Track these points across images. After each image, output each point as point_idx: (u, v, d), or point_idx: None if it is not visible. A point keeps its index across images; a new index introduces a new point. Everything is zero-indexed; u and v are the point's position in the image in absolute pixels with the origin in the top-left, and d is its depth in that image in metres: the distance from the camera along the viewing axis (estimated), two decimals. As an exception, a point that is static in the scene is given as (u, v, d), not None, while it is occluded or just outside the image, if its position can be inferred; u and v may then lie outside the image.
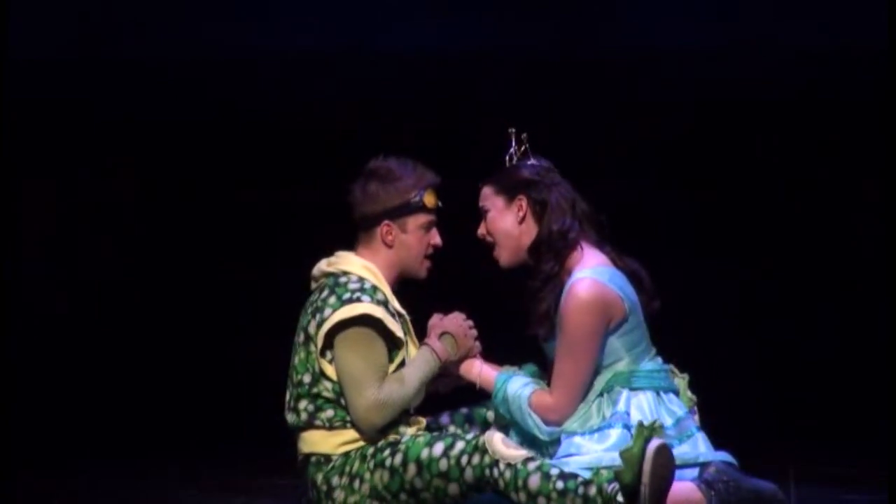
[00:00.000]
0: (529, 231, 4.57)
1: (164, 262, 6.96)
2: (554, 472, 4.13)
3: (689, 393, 4.59)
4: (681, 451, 4.33)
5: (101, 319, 6.91)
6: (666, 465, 4.08)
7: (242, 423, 6.70)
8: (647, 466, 4.04)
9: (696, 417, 4.56)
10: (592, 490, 4.10)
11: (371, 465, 4.29)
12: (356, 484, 4.30)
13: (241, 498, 5.43)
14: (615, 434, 4.35)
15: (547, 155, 4.71)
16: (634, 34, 6.72)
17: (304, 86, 6.81)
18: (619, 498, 4.07)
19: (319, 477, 4.38)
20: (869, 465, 5.65)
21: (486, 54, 6.70)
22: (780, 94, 6.77)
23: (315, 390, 4.38)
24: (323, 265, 4.50)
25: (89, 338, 6.88)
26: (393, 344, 4.36)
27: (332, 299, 4.35)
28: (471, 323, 4.52)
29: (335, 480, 4.34)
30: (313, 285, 4.52)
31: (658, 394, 4.47)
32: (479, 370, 4.54)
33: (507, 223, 4.58)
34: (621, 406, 4.41)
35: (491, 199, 4.62)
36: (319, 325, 4.34)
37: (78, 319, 6.90)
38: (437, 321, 4.51)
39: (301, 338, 4.43)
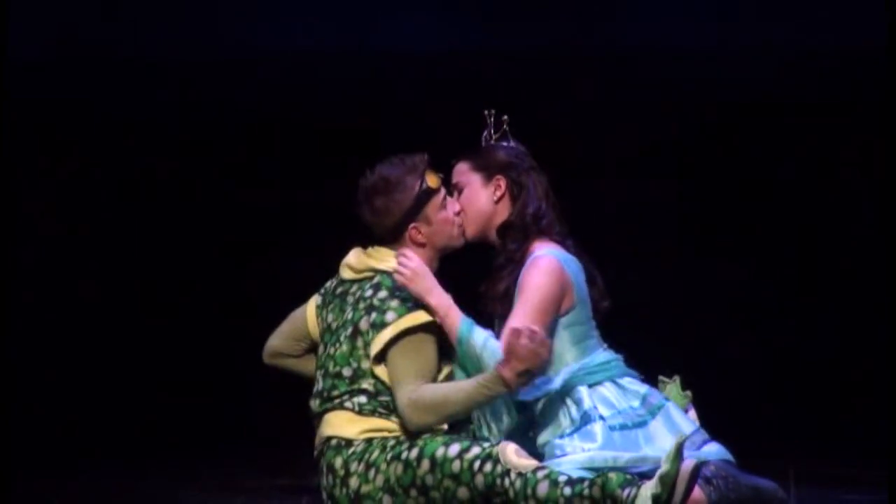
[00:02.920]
0: (503, 211, 4.61)
1: (164, 261, 6.96)
2: (562, 478, 4.14)
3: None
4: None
5: (101, 319, 6.92)
6: (692, 482, 4.11)
7: (242, 423, 6.71)
8: (680, 486, 4.07)
9: (693, 414, 4.58)
10: (597, 492, 4.10)
11: (388, 456, 4.29)
12: (371, 473, 4.31)
13: (241, 498, 5.43)
14: (599, 430, 4.37)
15: (545, 154, 4.72)
16: (634, 34, 6.73)
17: (304, 86, 6.81)
18: None
19: (338, 461, 4.36)
20: (869, 465, 5.66)
21: (486, 54, 6.71)
22: (780, 95, 6.77)
23: (356, 386, 4.39)
24: (364, 258, 4.50)
25: (89, 338, 6.88)
26: (443, 352, 4.38)
27: (395, 303, 4.37)
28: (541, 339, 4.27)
29: (353, 466, 4.34)
30: (349, 274, 4.52)
31: (615, 382, 4.50)
32: (448, 309, 4.45)
33: (483, 201, 4.61)
34: (587, 403, 4.43)
35: (467, 175, 4.64)
36: (377, 326, 4.35)
37: (78, 319, 6.90)
38: (519, 346, 4.24)
39: (348, 331, 4.42)
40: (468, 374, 4.39)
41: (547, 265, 4.49)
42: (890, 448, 5.41)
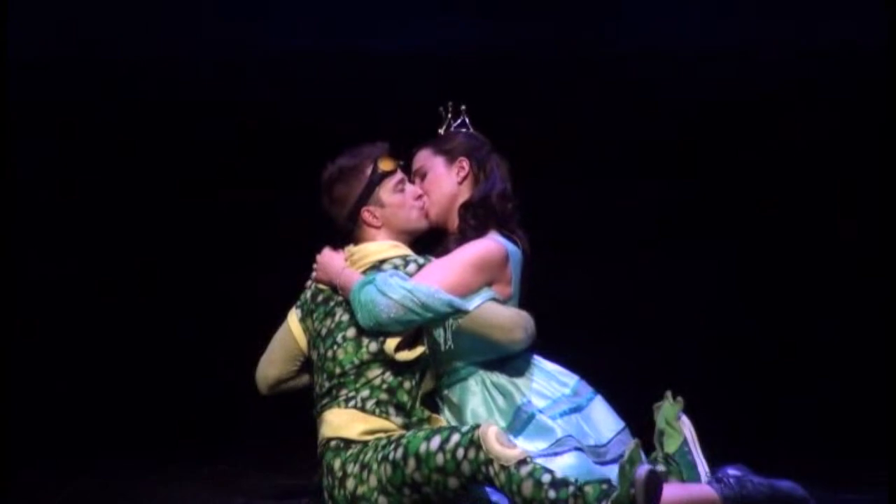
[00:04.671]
0: (466, 193, 4.67)
1: (166, 260, 6.96)
2: (545, 478, 4.13)
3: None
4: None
5: (102, 319, 6.91)
6: (654, 486, 4.08)
7: (242, 423, 6.70)
8: (639, 498, 4.05)
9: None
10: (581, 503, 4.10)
11: (379, 457, 4.32)
12: (365, 474, 4.33)
13: (241, 498, 5.43)
14: (549, 422, 4.38)
15: (545, 155, 4.74)
16: (634, 34, 6.72)
17: (303, 86, 6.81)
18: None
19: (337, 463, 4.40)
20: (869, 465, 5.65)
21: (485, 54, 6.71)
22: (780, 95, 6.77)
23: (361, 380, 4.42)
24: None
25: (89, 337, 6.88)
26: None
27: None
28: None
29: (350, 468, 4.36)
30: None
31: (543, 369, 4.52)
32: (343, 271, 4.54)
33: (447, 183, 4.68)
34: (518, 398, 4.44)
35: (430, 160, 4.71)
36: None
37: (78, 319, 6.89)
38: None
39: (350, 331, 4.46)
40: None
41: (491, 243, 4.52)
42: (890, 448, 5.41)
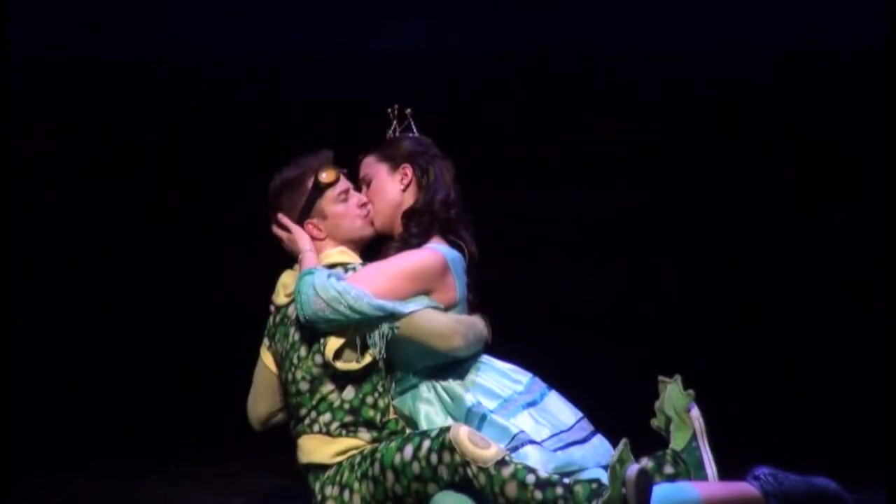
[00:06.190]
0: (410, 199, 4.63)
1: (167, 259, 6.96)
2: (530, 479, 4.09)
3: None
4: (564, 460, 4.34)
5: (102, 319, 6.91)
6: (645, 486, 4.07)
7: (243, 424, 6.70)
8: (631, 498, 4.04)
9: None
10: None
11: (358, 474, 4.29)
12: (346, 495, 4.31)
13: (241, 498, 5.43)
14: (500, 420, 4.37)
15: (544, 156, 4.72)
16: (634, 34, 6.72)
17: (303, 86, 6.81)
18: None
19: (317, 486, 4.40)
20: (869, 465, 5.65)
21: (482, 55, 6.70)
22: (778, 95, 6.77)
23: (317, 397, 4.40)
24: (290, 279, 4.57)
25: (89, 338, 6.88)
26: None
27: None
28: None
29: (328, 490, 4.35)
30: (283, 299, 4.56)
31: (494, 367, 4.49)
32: (308, 254, 4.52)
33: (390, 190, 4.63)
34: (469, 399, 4.41)
35: (374, 166, 4.67)
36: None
37: (77, 319, 6.89)
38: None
39: (301, 351, 4.43)
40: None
41: (429, 254, 4.48)
42: (890, 448, 5.40)
